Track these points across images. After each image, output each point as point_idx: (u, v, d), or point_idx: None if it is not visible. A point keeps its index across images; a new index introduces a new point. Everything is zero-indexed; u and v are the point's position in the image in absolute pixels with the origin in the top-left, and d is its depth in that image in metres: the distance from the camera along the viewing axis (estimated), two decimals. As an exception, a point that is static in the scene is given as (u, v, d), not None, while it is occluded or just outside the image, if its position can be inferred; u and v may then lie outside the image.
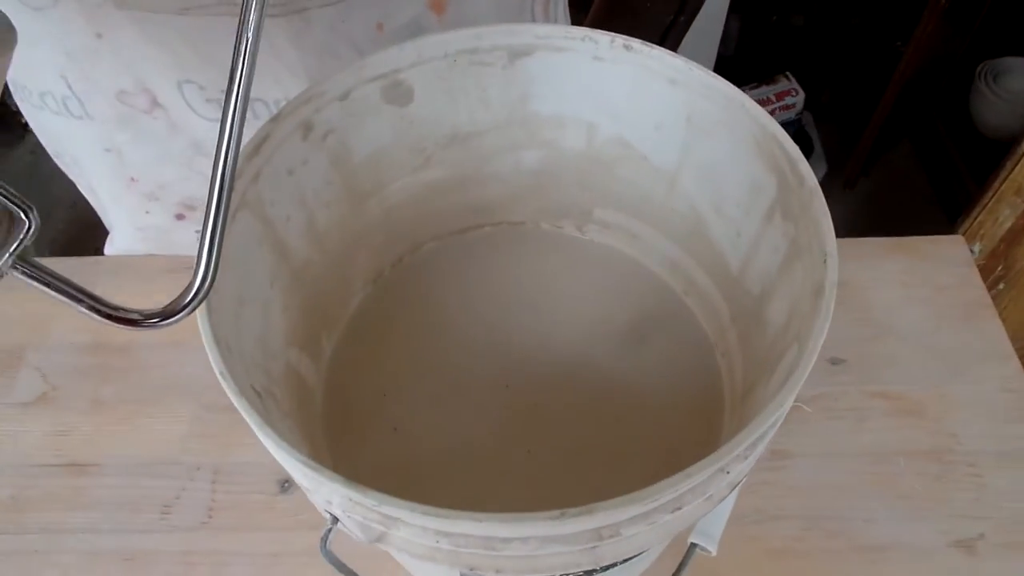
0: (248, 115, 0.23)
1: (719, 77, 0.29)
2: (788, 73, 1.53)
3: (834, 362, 0.46)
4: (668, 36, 0.73)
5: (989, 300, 0.48)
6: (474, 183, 0.38)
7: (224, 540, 0.41)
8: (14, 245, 0.18)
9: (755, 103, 0.28)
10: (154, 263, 0.52)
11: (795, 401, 0.43)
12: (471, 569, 0.22)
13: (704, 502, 0.23)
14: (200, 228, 0.53)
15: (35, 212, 0.18)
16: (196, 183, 0.46)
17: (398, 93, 0.32)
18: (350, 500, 0.21)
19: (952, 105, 1.45)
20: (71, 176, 0.51)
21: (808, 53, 1.63)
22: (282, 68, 0.40)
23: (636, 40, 0.30)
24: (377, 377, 0.35)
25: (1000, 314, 0.92)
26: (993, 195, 0.78)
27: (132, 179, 0.46)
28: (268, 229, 0.29)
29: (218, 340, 0.23)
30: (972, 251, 0.85)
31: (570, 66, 0.32)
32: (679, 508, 0.21)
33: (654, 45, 0.30)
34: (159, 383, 0.47)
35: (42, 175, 1.70)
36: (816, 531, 0.40)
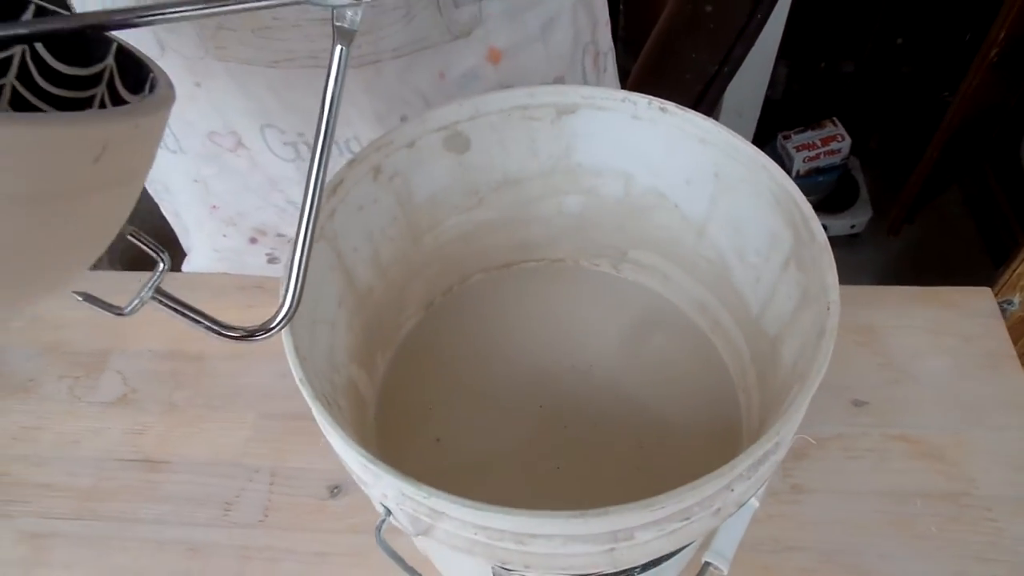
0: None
1: (744, 139, 0.32)
2: (835, 118, 1.55)
3: (857, 404, 0.48)
4: (712, 85, 0.77)
5: (1013, 351, 0.50)
6: (520, 223, 0.42)
7: (277, 538, 0.45)
8: (152, 281, 0.23)
9: (775, 164, 0.31)
10: (227, 281, 0.57)
11: (814, 438, 0.45)
12: (503, 564, 0.26)
13: (712, 516, 0.25)
14: (269, 251, 0.58)
15: (167, 255, 0.23)
16: (269, 212, 0.51)
17: (457, 142, 0.36)
18: (403, 494, 0.24)
19: (1003, 153, 1.44)
20: (158, 201, 0.57)
21: (857, 99, 1.64)
22: (354, 111, 0.45)
23: (671, 103, 0.34)
24: (424, 393, 0.39)
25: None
26: (1033, 248, 0.79)
27: (214, 207, 0.51)
28: (339, 259, 0.33)
29: (298, 353, 0.27)
30: (1012, 302, 0.85)
31: (610, 123, 0.36)
32: (688, 519, 0.24)
33: (687, 108, 0.34)
34: (225, 391, 0.52)
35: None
36: (831, 564, 0.42)
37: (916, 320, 0.52)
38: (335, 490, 0.47)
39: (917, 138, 1.45)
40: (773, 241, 0.32)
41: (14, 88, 0.26)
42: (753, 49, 0.75)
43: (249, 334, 0.24)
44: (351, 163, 0.33)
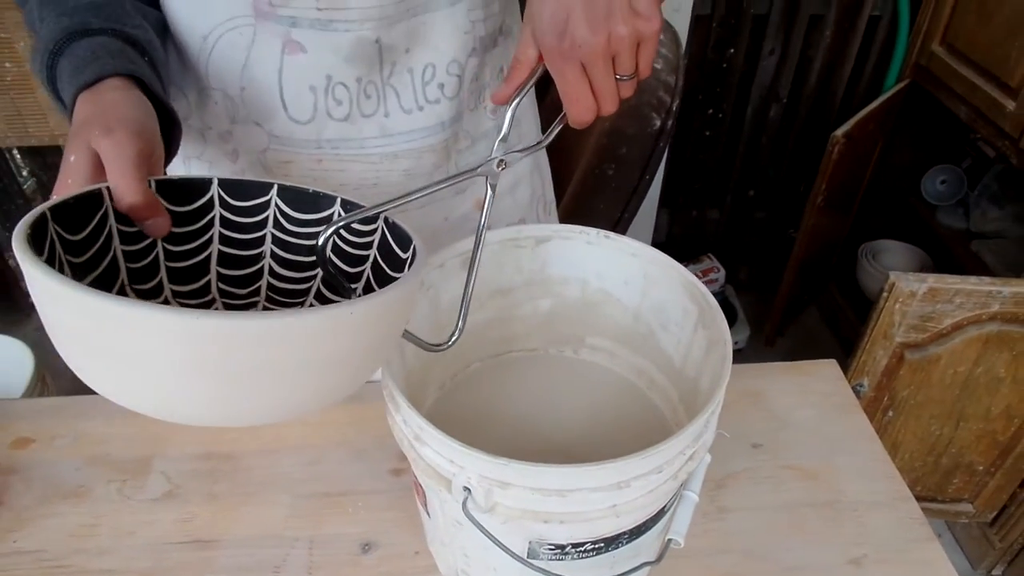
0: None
1: (660, 252, 0.51)
2: (710, 254, 1.85)
3: (755, 446, 0.65)
4: (616, 228, 0.99)
5: (855, 400, 0.69)
6: (507, 321, 0.58)
7: (323, 590, 0.55)
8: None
9: (683, 267, 0.50)
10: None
11: (728, 474, 0.61)
12: (546, 521, 0.39)
13: (673, 479, 0.40)
14: None
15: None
16: None
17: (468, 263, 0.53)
18: (482, 475, 0.38)
19: (844, 277, 1.77)
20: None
21: (725, 239, 1.97)
22: None
23: (612, 233, 0.52)
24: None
25: (894, 437, 1.15)
26: (868, 340, 1.02)
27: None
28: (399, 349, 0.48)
29: (399, 388, 0.41)
30: (863, 385, 1.08)
31: (572, 247, 0.54)
32: (660, 471, 0.39)
33: (622, 235, 0.52)
34: (260, 479, 0.62)
35: (48, 348, 1.82)
36: (751, 560, 0.56)
37: (788, 385, 0.71)
38: (367, 547, 0.57)
39: (775, 268, 1.76)
40: (685, 313, 0.50)
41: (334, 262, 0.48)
42: (643, 202, 0.98)
43: (435, 346, 0.43)
44: (406, 277, 0.48)
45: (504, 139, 0.42)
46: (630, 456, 0.37)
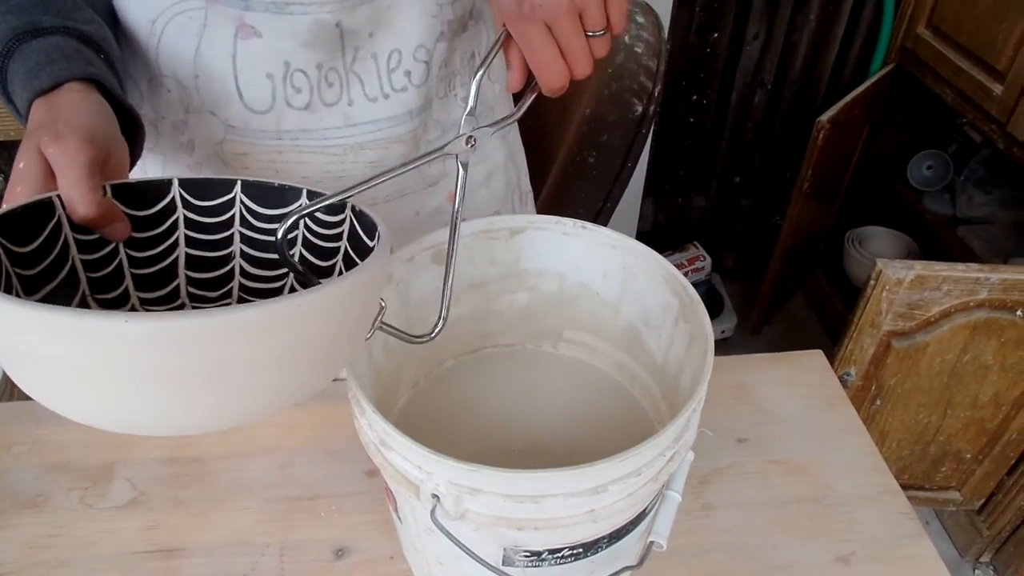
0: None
1: (640, 243, 0.49)
2: (696, 242, 1.83)
3: (740, 440, 0.63)
4: (598, 218, 0.96)
5: (843, 392, 0.67)
6: (481, 317, 0.56)
7: (294, 599, 0.53)
8: (377, 320, 0.38)
9: (663, 257, 0.48)
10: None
11: (713, 469, 0.59)
12: (519, 528, 0.37)
13: (653, 481, 0.38)
14: None
15: (385, 301, 0.37)
16: None
17: (440, 256, 0.50)
18: (451, 482, 0.36)
19: (831, 264, 1.76)
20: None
21: (710, 227, 1.95)
22: None
23: (589, 223, 0.50)
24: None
25: (882, 426, 1.14)
26: (855, 328, 1.01)
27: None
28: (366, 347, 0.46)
29: (366, 395, 0.39)
30: (850, 374, 1.07)
31: (548, 239, 0.51)
32: (640, 475, 0.37)
33: (600, 225, 0.50)
34: (228, 484, 0.60)
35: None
36: (737, 558, 0.55)
37: (774, 377, 0.69)
38: (340, 552, 0.55)
39: (762, 255, 1.74)
40: (666, 307, 0.48)
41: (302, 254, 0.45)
42: (626, 189, 0.96)
43: (417, 337, 0.41)
44: (373, 273, 0.46)
45: (471, 113, 0.40)
46: (607, 459, 0.35)
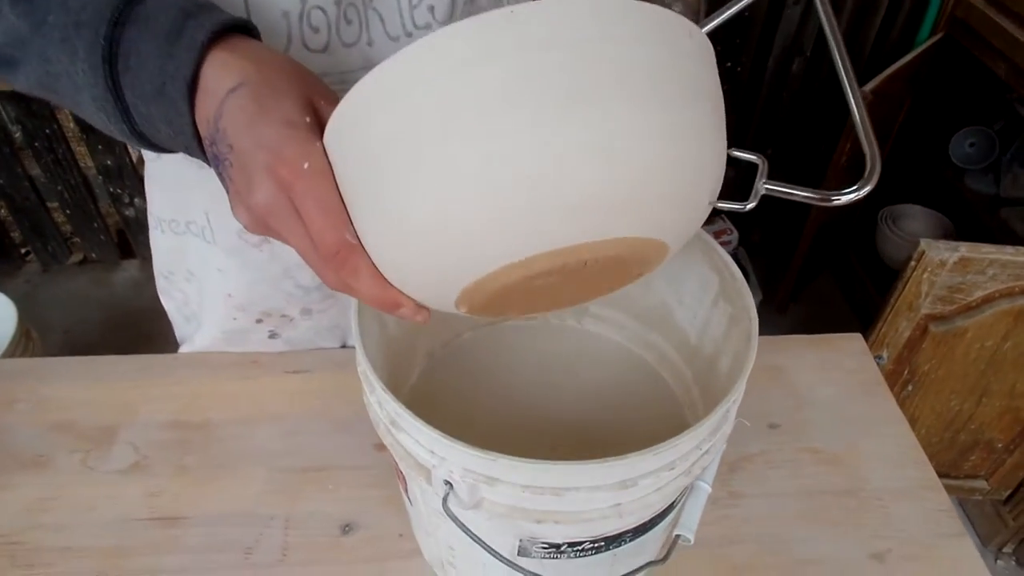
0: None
1: (677, 213, 0.45)
2: (723, 215, 1.77)
3: (772, 426, 0.60)
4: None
5: (881, 378, 0.63)
6: (503, 287, 0.52)
7: (298, 574, 0.50)
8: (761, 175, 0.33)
9: (703, 230, 0.43)
10: (225, 358, 0.63)
11: (743, 456, 0.56)
12: (538, 521, 0.34)
13: (685, 475, 0.35)
14: (272, 329, 0.64)
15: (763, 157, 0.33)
16: (278, 298, 0.59)
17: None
18: (465, 468, 0.33)
19: (863, 243, 1.70)
20: (168, 289, 0.63)
21: (740, 200, 1.89)
22: None
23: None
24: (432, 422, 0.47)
25: (912, 412, 1.09)
26: (891, 310, 0.96)
27: (229, 295, 0.58)
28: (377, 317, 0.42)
29: (374, 368, 0.35)
30: (882, 357, 1.02)
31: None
32: (672, 468, 0.34)
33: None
34: (233, 452, 0.57)
35: (38, 301, 1.77)
36: (765, 551, 0.52)
37: (809, 361, 0.65)
38: (347, 528, 0.53)
39: (792, 232, 1.68)
40: (703, 285, 0.44)
41: None
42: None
43: (840, 195, 0.31)
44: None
45: None
46: (638, 452, 0.32)
